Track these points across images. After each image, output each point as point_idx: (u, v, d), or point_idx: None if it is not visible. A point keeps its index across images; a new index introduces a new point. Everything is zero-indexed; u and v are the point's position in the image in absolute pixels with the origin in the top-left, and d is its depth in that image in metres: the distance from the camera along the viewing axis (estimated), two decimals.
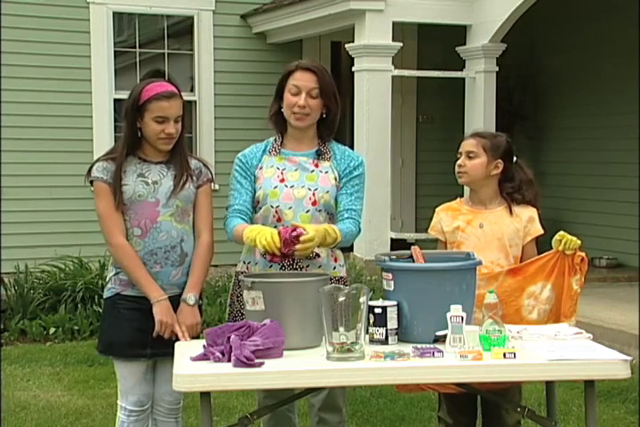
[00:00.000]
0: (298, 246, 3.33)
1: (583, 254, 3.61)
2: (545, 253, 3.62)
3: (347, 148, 3.78)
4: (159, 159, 3.60)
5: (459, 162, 3.76)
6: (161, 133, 3.51)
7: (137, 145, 3.58)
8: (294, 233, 3.33)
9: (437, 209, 3.87)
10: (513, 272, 3.61)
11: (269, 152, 3.69)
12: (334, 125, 3.71)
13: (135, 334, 3.55)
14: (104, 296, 3.66)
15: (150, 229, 3.54)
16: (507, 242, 3.71)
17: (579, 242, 3.59)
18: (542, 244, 3.75)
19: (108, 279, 3.66)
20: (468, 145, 3.76)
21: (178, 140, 3.60)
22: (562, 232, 3.60)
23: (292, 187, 3.61)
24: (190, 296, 3.55)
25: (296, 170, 3.65)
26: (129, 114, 3.53)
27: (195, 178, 3.63)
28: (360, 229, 3.70)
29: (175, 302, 3.55)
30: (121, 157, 3.55)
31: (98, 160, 3.59)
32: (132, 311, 3.56)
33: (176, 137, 3.55)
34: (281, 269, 3.59)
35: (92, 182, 3.59)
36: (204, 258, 3.61)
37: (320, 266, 3.61)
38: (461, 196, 3.94)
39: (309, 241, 3.35)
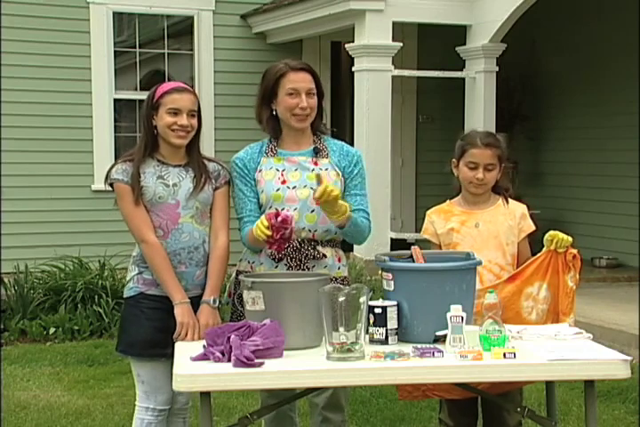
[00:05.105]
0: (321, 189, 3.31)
1: (575, 251, 3.61)
2: (538, 255, 3.63)
3: (343, 143, 3.76)
4: (177, 162, 3.60)
5: (478, 175, 3.68)
6: (173, 125, 3.50)
7: (155, 146, 3.58)
8: (279, 218, 3.33)
9: (428, 212, 3.86)
10: (511, 279, 3.61)
11: (266, 153, 3.67)
12: (322, 118, 3.70)
13: (157, 334, 3.54)
14: (125, 296, 3.65)
15: (172, 231, 3.54)
16: (503, 240, 3.72)
17: (570, 240, 3.59)
18: (535, 243, 3.75)
19: (129, 279, 3.64)
20: (487, 157, 3.69)
21: (194, 143, 3.60)
22: (552, 231, 3.60)
23: (294, 188, 3.60)
24: (212, 299, 3.54)
25: (296, 170, 3.63)
26: (146, 112, 3.57)
27: (213, 180, 3.62)
28: (370, 229, 3.68)
29: (196, 303, 3.54)
30: (139, 157, 3.54)
31: (115, 163, 3.59)
32: (154, 311, 3.56)
33: (190, 131, 3.54)
34: (288, 269, 3.58)
35: (111, 185, 3.57)
36: (222, 260, 3.60)
37: (326, 266, 3.61)
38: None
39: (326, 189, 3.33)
